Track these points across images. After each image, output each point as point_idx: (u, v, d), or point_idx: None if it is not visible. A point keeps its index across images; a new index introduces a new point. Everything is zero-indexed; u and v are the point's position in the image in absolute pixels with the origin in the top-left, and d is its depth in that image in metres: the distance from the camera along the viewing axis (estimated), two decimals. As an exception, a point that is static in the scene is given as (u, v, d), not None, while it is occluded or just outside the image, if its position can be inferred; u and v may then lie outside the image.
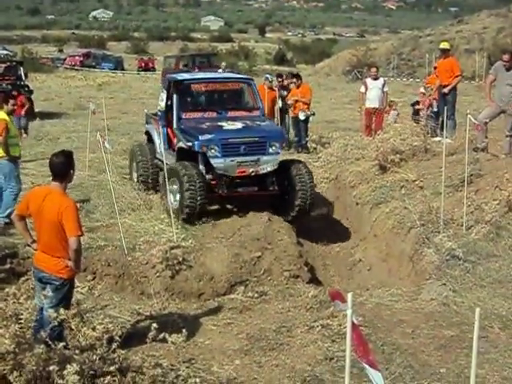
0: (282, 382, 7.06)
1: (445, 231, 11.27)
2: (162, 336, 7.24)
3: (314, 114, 19.68)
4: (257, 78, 22.85)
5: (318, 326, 8.21)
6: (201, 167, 12.75)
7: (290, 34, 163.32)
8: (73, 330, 6.96)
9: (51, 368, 6.04)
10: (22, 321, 6.31)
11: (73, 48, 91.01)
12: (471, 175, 12.54)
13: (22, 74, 28.81)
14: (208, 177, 12.72)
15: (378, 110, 18.78)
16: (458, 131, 16.03)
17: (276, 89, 19.56)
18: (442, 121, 14.96)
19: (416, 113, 20.00)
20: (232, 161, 12.52)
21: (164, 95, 14.39)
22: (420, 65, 49.27)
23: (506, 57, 13.92)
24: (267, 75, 20.42)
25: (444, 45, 18.16)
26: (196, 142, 12.58)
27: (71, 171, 7.24)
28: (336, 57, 64.82)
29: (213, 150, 12.49)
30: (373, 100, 18.74)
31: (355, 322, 3.89)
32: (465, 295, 9.20)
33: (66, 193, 7.29)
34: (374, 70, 19.93)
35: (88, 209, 13.48)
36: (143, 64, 68.10)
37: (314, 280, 11.30)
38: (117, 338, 6.79)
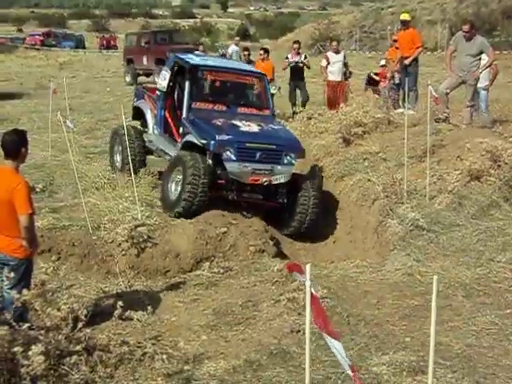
0: (249, 356, 7.06)
1: (408, 202, 11.37)
2: (127, 314, 7.28)
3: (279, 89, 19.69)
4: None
5: (283, 300, 8.25)
6: (209, 158, 11.86)
7: (252, 8, 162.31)
8: (37, 310, 6.91)
9: (16, 349, 6.01)
10: (-15, 303, 6.25)
11: (32, 27, 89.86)
12: (433, 146, 12.65)
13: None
14: (216, 176, 11.82)
15: (341, 82, 18.90)
16: (421, 102, 16.13)
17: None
18: (404, 92, 15.01)
19: (369, 83, 20.26)
20: (246, 167, 11.71)
21: (167, 74, 13.58)
22: (382, 37, 49.32)
23: (465, 27, 13.97)
24: (220, 49, 20.14)
25: (404, 16, 18.21)
26: (212, 142, 11.65)
27: (23, 150, 7.14)
28: (298, 31, 64.71)
29: (228, 153, 11.63)
30: (335, 73, 18.87)
31: (314, 293, 3.91)
32: (428, 265, 9.30)
33: (19, 172, 7.20)
34: (334, 43, 20.09)
35: (52, 189, 13.44)
36: (105, 42, 67.49)
37: (280, 254, 11.29)
38: (82, 317, 6.79)
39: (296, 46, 20.39)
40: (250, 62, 19.38)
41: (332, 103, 18.56)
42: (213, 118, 12.45)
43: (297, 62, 19.97)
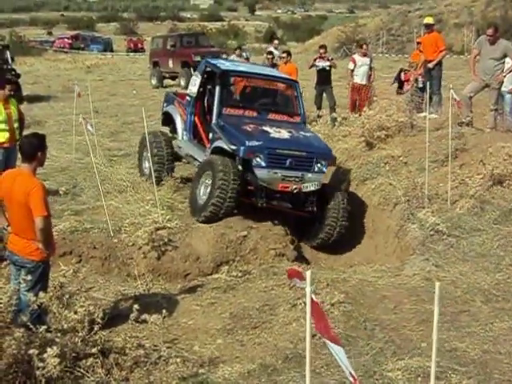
0: (265, 360, 7.09)
1: (429, 206, 11.33)
2: (144, 317, 7.32)
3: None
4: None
5: (300, 304, 8.23)
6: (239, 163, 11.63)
7: (279, 11, 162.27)
8: (54, 313, 6.97)
9: (31, 351, 6.07)
10: (2, 305, 6.32)
11: (62, 30, 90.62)
12: (456, 150, 12.59)
13: (9, 58, 28.70)
14: (245, 181, 11.58)
15: (365, 86, 18.87)
16: (444, 106, 16.05)
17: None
18: (429, 96, 14.95)
19: (398, 79, 20.21)
20: (276, 173, 11.48)
21: (198, 80, 13.42)
22: (409, 40, 48.96)
23: (489, 31, 13.90)
24: (243, 53, 19.99)
25: (428, 20, 18.11)
26: (242, 147, 11.44)
27: (39, 153, 7.21)
28: (325, 34, 64.57)
29: (258, 159, 11.41)
30: (360, 76, 18.84)
31: (314, 299, 3.92)
32: (447, 269, 9.25)
33: (35, 175, 7.27)
34: (364, 47, 19.92)
35: (74, 192, 13.54)
36: (132, 45, 67.81)
37: (301, 258, 11.29)
38: (98, 320, 6.84)
39: (322, 50, 20.34)
40: (273, 65, 19.32)
41: (355, 106, 18.52)
42: (243, 123, 12.28)
43: (323, 67, 19.93)
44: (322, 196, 11.98)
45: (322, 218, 11.92)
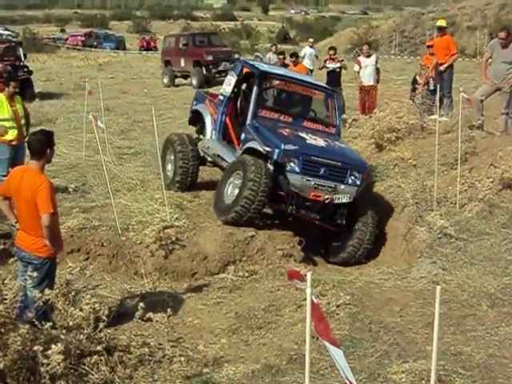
0: (269, 361, 7.10)
1: (438, 209, 11.31)
2: (149, 315, 7.34)
3: None
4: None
5: (306, 305, 8.21)
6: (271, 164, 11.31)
7: (293, 11, 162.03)
8: (60, 310, 6.99)
9: (36, 348, 6.08)
10: (7, 301, 6.32)
11: (75, 28, 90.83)
12: (466, 153, 12.57)
13: (21, 55, 28.84)
14: (276, 186, 11.20)
15: (373, 87, 18.88)
16: (455, 109, 16.01)
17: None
18: (440, 99, 14.91)
19: (413, 89, 20.03)
20: (309, 181, 11.12)
21: (233, 80, 13.13)
22: (422, 42, 48.76)
23: (502, 34, 13.85)
24: (257, 53, 20.05)
25: (440, 22, 18.12)
26: (277, 150, 11.11)
27: (48, 150, 7.26)
28: (338, 35, 64.58)
29: (292, 164, 11.08)
30: (366, 77, 18.86)
31: (314, 300, 3.92)
32: (454, 273, 9.23)
33: (43, 172, 7.31)
34: (366, 47, 20.01)
35: (84, 189, 13.55)
36: (145, 43, 68.06)
37: (308, 260, 11.26)
38: (104, 317, 6.86)
39: (332, 52, 20.37)
40: (284, 65, 19.36)
41: (365, 108, 18.55)
42: (278, 127, 12.02)
43: (333, 69, 19.95)
44: (352, 212, 11.57)
45: (348, 236, 11.51)
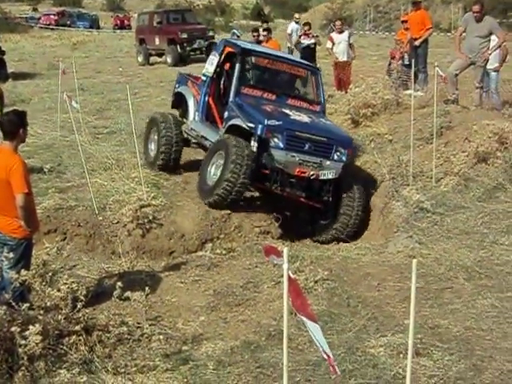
0: (248, 337, 7.11)
1: (414, 184, 11.36)
2: (127, 294, 7.33)
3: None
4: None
5: (283, 282, 8.22)
6: (254, 146, 11.04)
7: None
8: (37, 290, 6.96)
9: (14, 329, 6.06)
10: (-16, 283, 6.31)
11: (47, 7, 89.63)
12: (441, 128, 12.63)
13: (-7, 35, 28.54)
14: (259, 164, 11.03)
15: (348, 62, 18.82)
16: (430, 84, 16.04)
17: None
18: (415, 74, 14.92)
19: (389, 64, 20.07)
20: (293, 156, 10.99)
21: (215, 59, 12.89)
22: (397, 17, 48.52)
23: (475, 8, 13.84)
24: (234, 30, 19.82)
25: (415, -3, 18.10)
26: (260, 126, 10.91)
27: (21, 130, 7.20)
28: (313, 10, 64.23)
29: (276, 139, 10.92)
30: (340, 53, 18.77)
31: (291, 276, 3.93)
32: (431, 247, 9.27)
33: (17, 152, 7.25)
34: (338, 23, 19.85)
35: (59, 169, 13.45)
36: (119, 22, 67.32)
37: (285, 236, 11.25)
38: (82, 297, 6.83)
39: (306, 28, 20.28)
40: (258, 42, 19.22)
41: (340, 84, 18.53)
42: (261, 104, 11.87)
43: (308, 45, 19.88)
44: (338, 187, 11.48)
45: (336, 210, 11.42)
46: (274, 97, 12.39)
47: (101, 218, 10.84)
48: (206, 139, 12.54)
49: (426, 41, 17.08)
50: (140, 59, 33.83)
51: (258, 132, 10.94)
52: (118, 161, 13.74)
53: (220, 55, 12.92)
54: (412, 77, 13.99)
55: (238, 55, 12.42)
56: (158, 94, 22.60)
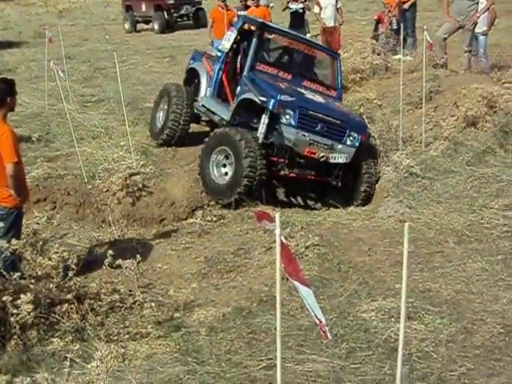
0: (239, 303, 7.12)
1: (403, 149, 11.36)
2: (118, 262, 7.33)
3: None
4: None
5: (275, 247, 8.19)
6: (260, 132, 10.67)
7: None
8: (28, 260, 6.96)
9: (5, 298, 6.06)
10: (-26, 252, 6.30)
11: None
12: (430, 92, 12.62)
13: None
14: (269, 151, 10.68)
15: (335, 27, 18.68)
16: (419, 48, 16.00)
17: (235, 10, 19.02)
18: (403, 38, 14.86)
19: (376, 29, 19.93)
20: (304, 136, 10.57)
21: (233, 35, 12.46)
22: (385, -19, 48.51)
23: (463, -31, 13.77)
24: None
25: (403, -40, 17.98)
26: (272, 100, 10.49)
27: (9, 98, 7.15)
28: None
29: (288, 116, 10.50)
30: (328, 18, 18.60)
31: (284, 241, 3.92)
32: (421, 211, 9.28)
33: (6, 121, 7.21)
34: None
35: (48, 138, 13.42)
36: (105, -12, 66.65)
37: (276, 202, 11.23)
38: (73, 266, 6.83)
39: None
40: (247, 7, 18.97)
41: (329, 49, 18.42)
42: (276, 81, 11.49)
43: (296, 10, 19.71)
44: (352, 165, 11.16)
45: (356, 182, 11.18)
46: (289, 76, 12.03)
47: (90, 187, 10.83)
48: (216, 114, 12.24)
49: (414, 4, 17.03)
50: (127, 26, 33.45)
51: (270, 106, 10.54)
52: (106, 129, 13.73)
53: (238, 31, 12.52)
54: (401, 41, 13.91)
55: (256, 29, 12.08)
56: (146, 62, 22.48)
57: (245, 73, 11.59)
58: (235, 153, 10.35)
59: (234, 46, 12.51)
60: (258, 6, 18.31)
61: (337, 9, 18.85)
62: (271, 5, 20.54)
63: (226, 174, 10.61)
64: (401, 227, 8.87)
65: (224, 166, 10.69)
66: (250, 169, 10.17)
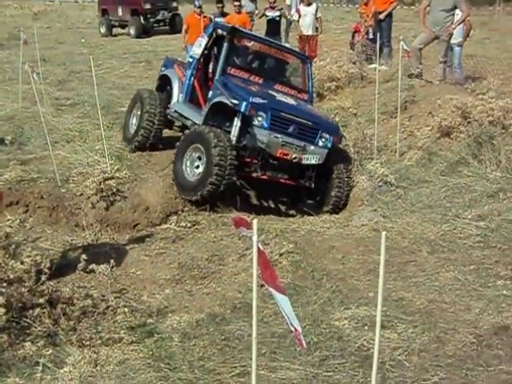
0: (213, 310, 7.11)
1: (378, 158, 11.45)
2: (92, 267, 7.28)
3: None
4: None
5: (249, 254, 8.22)
6: (233, 135, 10.74)
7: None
8: (0, 263, 6.89)
9: (-24, 302, 6.01)
10: None
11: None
12: (405, 102, 12.71)
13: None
14: (241, 153, 10.70)
15: (312, 36, 18.77)
16: (394, 58, 16.10)
17: (212, 16, 18.94)
18: (379, 48, 14.94)
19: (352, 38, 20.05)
20: (276, 137, 10.64)
21: (203, 41, 12.52)
22: (361, -9, 48.79)
23: (440, -19, 13.86)
24: (196, 1, 19.34)
25: (380, -30, 18.09)
26: (244, 102, 10.55)
27: None
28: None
29: (260, 118, 10.56)
30: (306, 27, 18.71)
31: (260, 248, 3.92)
32: (395, 220, 9.34)
33: None
34: None
35: (21, 141, 13.31)
36: (80, -9, 66.42)
37: (250, 209, 11.22)
38: (45, 270, 6.78)
39: (272, 0, 20.13)
40: (223, 14, 19.00)
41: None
42: (248, 84, 11.59)
43: (273, 17, 19.78)
44: (326, 169, 11.20)
45: (325, 191, 11.21)
46: (261, 80, 12.09)
47: (64, 191, 10.72)
48: (188, 119, 12.23)
49: (390, 14, 17.12)
50: (102, 30, 33.38)
51: (242, 109, 10.59)
52: (81, 133, 13.65)
53: (209, 37, 12.58)
54: (377, 51, 13.97)
55: (227, 34, 12.09)
56: (122, 66, 22.44)
57: (216, 77, 11.65)
58: (206, 150, 10.40)
59: (206, 51, 12.55)
60: (239, 12, 18.34)
61: (316, 18, 18.95)
62: (256, 12, 20.66)
63: (199, 174, 10.64)
64: (374, 236, 8.93)
65: (197, 167, 10.74)
66: (216, 177, 10.20)
